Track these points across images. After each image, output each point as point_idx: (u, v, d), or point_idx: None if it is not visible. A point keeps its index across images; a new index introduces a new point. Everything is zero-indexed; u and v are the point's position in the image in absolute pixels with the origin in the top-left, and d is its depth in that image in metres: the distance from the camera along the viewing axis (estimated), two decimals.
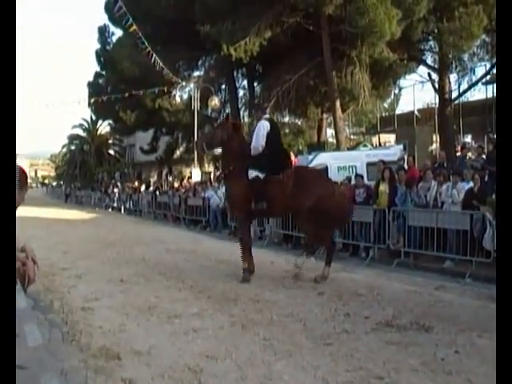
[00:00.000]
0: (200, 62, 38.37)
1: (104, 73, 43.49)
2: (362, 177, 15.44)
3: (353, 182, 16.15)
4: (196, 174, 33.67)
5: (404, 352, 5.97)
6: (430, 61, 30.79)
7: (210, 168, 42.48)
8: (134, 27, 30.21)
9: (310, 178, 10.43)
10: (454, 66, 29.70)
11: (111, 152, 69.34)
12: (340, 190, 11.10)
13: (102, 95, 39.23)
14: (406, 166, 17.09)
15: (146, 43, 30.30)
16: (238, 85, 38.75)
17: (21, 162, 74.36)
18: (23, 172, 3.98)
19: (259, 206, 10.21)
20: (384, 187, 13.84)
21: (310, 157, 21.65)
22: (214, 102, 34.94)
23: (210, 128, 10.69)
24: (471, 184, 13.06)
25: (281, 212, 11.81)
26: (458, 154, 19.64)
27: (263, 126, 10.25)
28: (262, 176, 10.14)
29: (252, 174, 10.20)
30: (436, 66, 29.56)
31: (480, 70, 29.20)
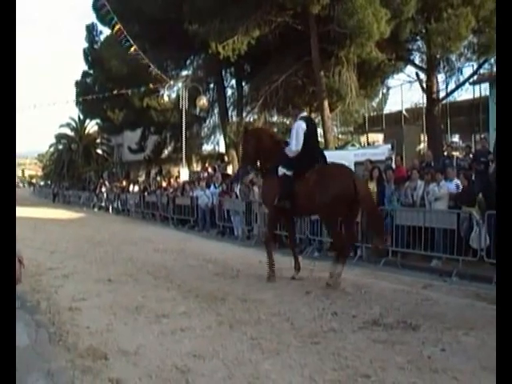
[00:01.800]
0: (188, 62, 38.26)
1: (92, 72, 43.34)
2: None
3: None
4: (184, 174, 33.60)
5: (391, 350, 6.00)
6: (417, 61, 30.85)
7: (198, 167, 42.44)
8: (119, 26, 30.15)
9: (330, 175, 9.93)
10: (441, 66, 29.76)
11: (99, 151, 69.02)
12: (364, 186, 10.55)
13: (89, 94, 39.10)
14: (393, 166, 17.14)
15: (132, 41, 30.24)
16: (226, 84, 38.67)
17: None
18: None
19: (282, 204, 10.17)
20: (372, 186, 13.87)
21: None
22: (202, 101, 34.91)
23: (241, 149, 10.91)
24: (456, 182, 13.16)
25: (306, 212, 11.49)
26: (445, 153, 19.70)
27: (301, 128, 10.12)
28: (289, 174, 10.12)
29: (281, 171, 10.24)
30: (424, 66, 29.62)
31: (467, 70, 29.31)
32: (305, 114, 11.23)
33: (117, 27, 30.56)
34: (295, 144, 10.11)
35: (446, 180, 13.42)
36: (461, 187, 13.13)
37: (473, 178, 14.06)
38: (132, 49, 30.48)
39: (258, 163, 11.18)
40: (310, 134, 10.29)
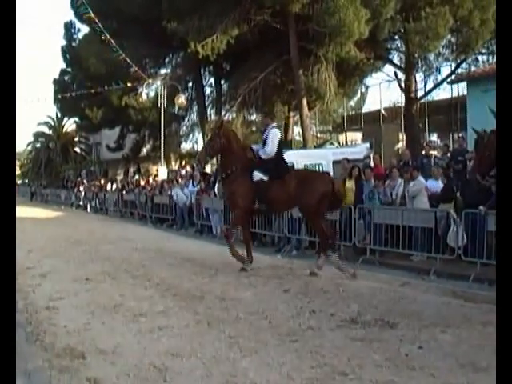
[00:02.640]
0: (167, 60, 38.17)
1: (70, 70, 43.03)
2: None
3: None
4: (162, 172, 33.51)
5: (368, 348, 6.02)
6: (396, 60, 31.01)
7: (176, 166, 42.30)
8: (91, 15, 30.01)
9: (311, 178, 11.29)
10: (419, 65, 29.90)
11: (77, 150, 68.54)
12: (338, 185, 12.01)
13: (67, 92, 38.85)
14: (372, 164, 17.20)
15: (107, 34, 30.10)
16: (205, 83, 38.62)
17: None
18: None
19: (262, 207, 11.26)
20: (350, 184, 13.92)
21: None
22: (181, 99, 34.84)
23: (207, 140, 11.82)
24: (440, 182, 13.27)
25: (284, 210, 13.19)
26: (424, 152, 19.81)
27: (277, 136, 11.35)
28: (266, 179, 11.05)
29: (257, 176, 11.10)
30: (402, 65, 29.78)
31: (445, 70, 29.46)
32: (275, 124, 12.39)
33: (87, 15, 30.35)
34: (271, 148, 11.18)
35: (430, 179, 13.53)
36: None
37: (451, 176, 14.16)
38: (108, 43, 30.28)
39: (219, 161, 12.25)
40: (280, 141, 11.51)
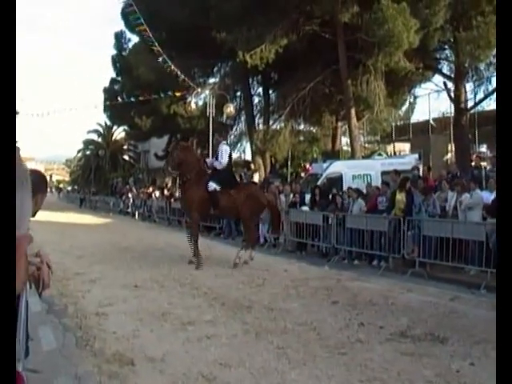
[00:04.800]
0: (215, 69, 38.41)
1: (120, 78, 43.62)
2: (387, 184, 15.22)
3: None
4: None
5: (418, 363, 5.94)
6: (445, 70, 30.65)
7: None
8: (144, 27, 30.35)
9: (255, 194, 14.16)
10: (470, 75, 29.51)
11: (126, 157, 69.54)
12: (271, 197, 15.82)
13: (117, 100, 39.37)
14: (420, 175, 17.00)
15: (157, 45, 30.39)
16: (253, 92, 38.69)
17: (36, 166, 74.71)
18: (43, 177, 3.98)
19: (215, 213, 14.14)
20: (401, 196, 13.75)
21: (325, 165, 21.65)
22: (230, 109, 34.95)
23: (169, 155, 15.44)
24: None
25: (229, 217, 17.04)
26: (473, 163, 19.50)
27: (226, 150, 13.87)
28: (218, 189, 13.32)
29: (211, 186, 13.31)
30: (452, 75, 29.40)
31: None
32: (225, 141, 15.23)
33: (140, 28, 30.73)
34: (224, 159, 13.64)
35: (485, 191, 13.30)
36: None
37: None
38: (159, 54, 30.61)
39: (179, 172, 14.12)
40: (230, 157, 14.13)
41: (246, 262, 13.42)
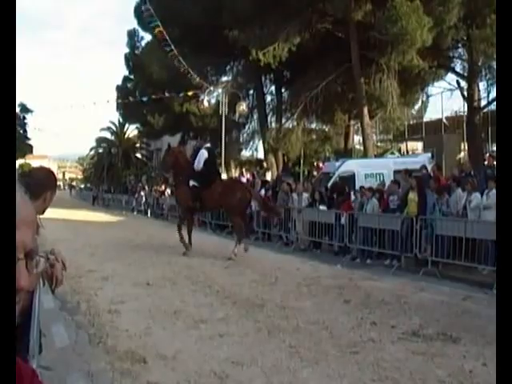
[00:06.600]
0: (228, 67, 38.37)
1: (132, 77, 43.69)
2: (398, 184, 15.16)
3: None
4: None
5: (431, 363, 5.92)
6: (458, 68, 30.50)
7: (236, 173, 42.42)
8: (160, 29, 30.39)
9: (232, 186, 15.74)
10: (483, 73, 29.33)
11: (138, 155, 69.77)
12: (254, 192, 16.96)
13: (130, 99, 39.47)
14: (431, 175, 16.91)
15: (173, 46, 30.40)
16: (265, 90, 38.68)
17: (49, 164, 75.04)
18: (51, 173, 3.99)
19: (194, 205, 15.22)
20: (413, 195, 13.68)
21: (337, 163, 21.62)
22: (242, 107, 35.00)
23: (162, 159, 18.72)
24: None
25: (211, 209, 18.95)
26: (486, 162, 19.35)
27: (203, 154, 15.20)
28: (197, 185, 14.89)
29: (191, 183, 14.97)
30: (465, 74, 29.26)
31: None
32: (208, 145, 16.47)
33: (157, 30, 30.79)
34: (198, 162, 15.05)
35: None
36: None
37: None
38: (172, 53, 30.64)
39: (172, 173, 16.42)
40: (210, 160, 15.41)
41: (231, 259, 13.97)
